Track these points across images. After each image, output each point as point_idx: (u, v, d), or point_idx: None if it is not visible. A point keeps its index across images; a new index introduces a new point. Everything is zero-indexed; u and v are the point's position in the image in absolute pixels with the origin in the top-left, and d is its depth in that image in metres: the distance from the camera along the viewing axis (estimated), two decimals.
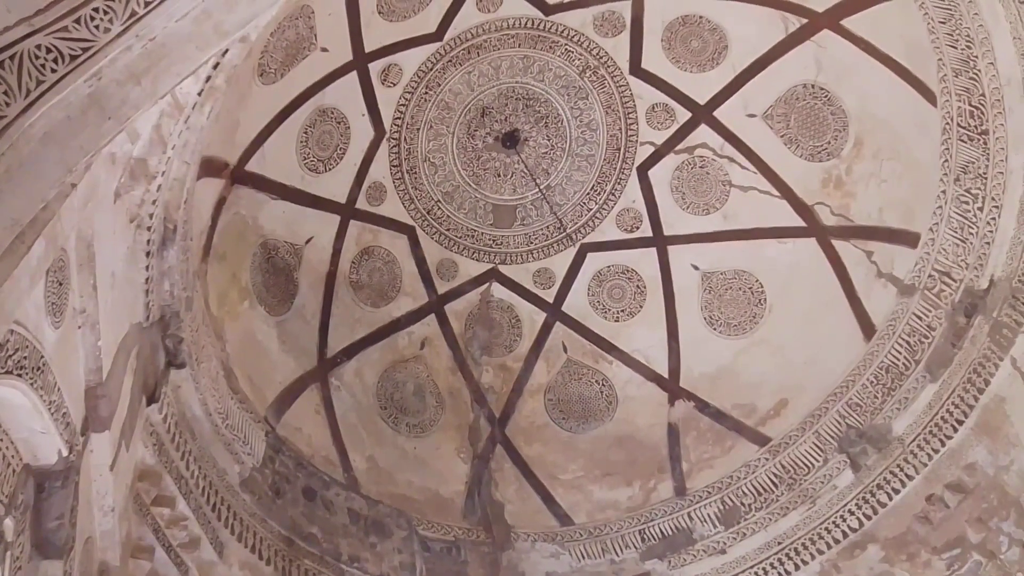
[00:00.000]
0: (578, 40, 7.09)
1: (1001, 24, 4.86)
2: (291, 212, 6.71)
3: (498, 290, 7.74)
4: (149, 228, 4.32)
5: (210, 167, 5.45)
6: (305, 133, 6.67)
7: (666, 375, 7.36)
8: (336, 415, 6.75)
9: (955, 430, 5.55)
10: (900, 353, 6.01)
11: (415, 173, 7.48)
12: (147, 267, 4.48)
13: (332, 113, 6.80)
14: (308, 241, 6.91)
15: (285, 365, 6.59)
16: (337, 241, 7.10)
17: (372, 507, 6.36)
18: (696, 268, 7.36)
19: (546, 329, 7.66)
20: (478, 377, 7.47)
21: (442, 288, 7.62)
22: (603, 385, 7.57)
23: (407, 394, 7.28)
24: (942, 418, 5.64)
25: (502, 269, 7.75)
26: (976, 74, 5.21)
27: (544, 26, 7.03)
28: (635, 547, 6.55)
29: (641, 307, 7.57)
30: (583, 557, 6.54)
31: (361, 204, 7.24)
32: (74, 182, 3.21)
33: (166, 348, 4.82)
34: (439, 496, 6.82)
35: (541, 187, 7.54)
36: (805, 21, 6.15)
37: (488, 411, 7.40)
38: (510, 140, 7.47)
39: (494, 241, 7.76)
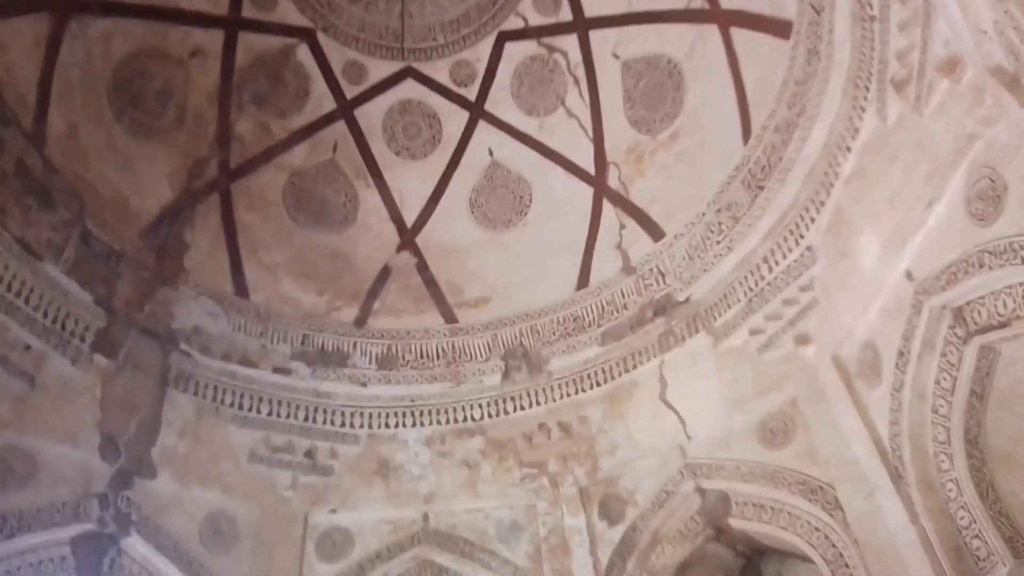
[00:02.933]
0: None
1: None
2: None
3: (303, 53, 7.13)
4: None
5: None
6: None
7: (409, 226, 7.52)
8: (57, 61, 5.76)
9: (591, 388, 6.52)
10: (591, 312, 6.81)
11: None
12: None
13: None
14: None
15: None
16: None
17: (48, 172, 5.56)
18: (491, 153, 7.51)
19: (332, 118, 7.28)
20: (233, 119, 6.89)
21: (248, 13, 6.82)
22: (350, 200, 7.47)
23: (148, 90, 6.45)
24: (588, 374, 6.57)
25: (319, 38, 7.14)
26: None
27: None
28: (292, 344, 6.65)
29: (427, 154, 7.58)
30: (239, 329, 6.44)
31: None
32: None
33: None
34: (127, 204, 6.20)
35: None
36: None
37: (225, 157, 6.89)
38: None
39: None
